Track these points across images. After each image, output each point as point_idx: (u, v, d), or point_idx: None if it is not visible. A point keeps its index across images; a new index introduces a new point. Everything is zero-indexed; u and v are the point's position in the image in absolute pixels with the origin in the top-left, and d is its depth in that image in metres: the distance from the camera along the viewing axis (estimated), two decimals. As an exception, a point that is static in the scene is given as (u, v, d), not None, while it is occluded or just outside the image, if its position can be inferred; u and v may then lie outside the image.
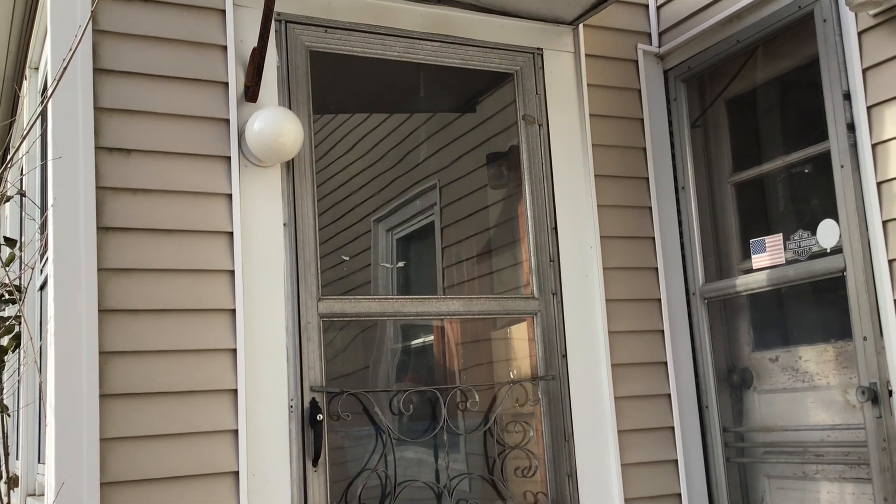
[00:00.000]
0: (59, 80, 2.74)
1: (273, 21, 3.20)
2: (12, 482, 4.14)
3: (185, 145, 3.14)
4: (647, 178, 4.06)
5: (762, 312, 4.00)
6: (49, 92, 2.82)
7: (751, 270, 3.84)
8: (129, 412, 2.89)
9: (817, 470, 3.59)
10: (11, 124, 4.90)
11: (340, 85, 3.92)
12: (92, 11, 2.96)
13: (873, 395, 3.24)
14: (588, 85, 3.95)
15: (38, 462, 4.09)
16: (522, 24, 3.89)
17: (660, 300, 3.97)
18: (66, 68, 2.70)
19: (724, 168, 4.15)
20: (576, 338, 3.74)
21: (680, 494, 3.83)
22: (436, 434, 3.51)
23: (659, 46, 4.20)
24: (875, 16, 3.22)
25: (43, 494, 3.36)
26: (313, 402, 3.19)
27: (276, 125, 3.13)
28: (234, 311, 3.10)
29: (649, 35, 4.22)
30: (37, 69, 4.27)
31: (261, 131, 3.13)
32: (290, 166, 3.33)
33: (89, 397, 2.82)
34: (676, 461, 3.86)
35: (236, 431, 3.03)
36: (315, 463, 3.15)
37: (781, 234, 3.72)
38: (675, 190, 4.13)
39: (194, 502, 2.95)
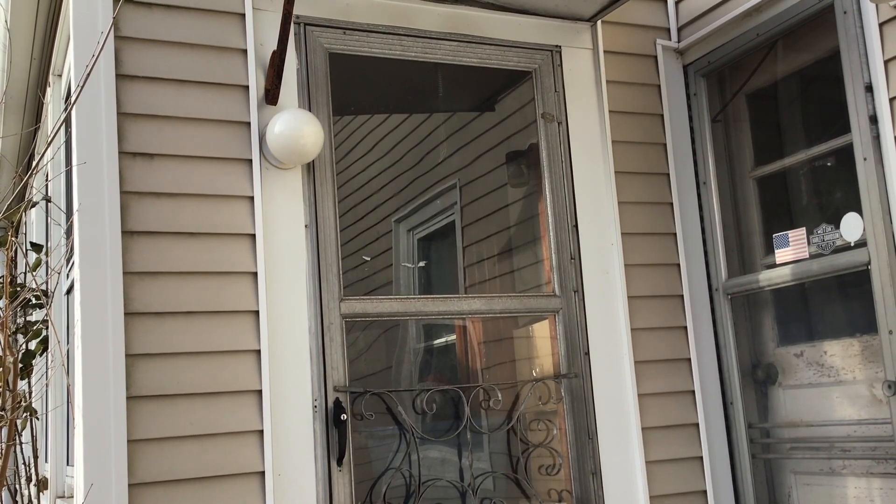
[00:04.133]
0: (82, 87, 2.78)
1: (292, 24, 3.22)
2: (42, 484, 4.19)
3: (207, 149, 3.17)
4: (668, 174, 4.05)
5: (786, 307, 3.97)
6: (73, 99, 2.86)
7: (774, 265, 3.82)
8: (155, 414, 2.92)
9: (844, 465, 3.56)
10: (36, 131, 4.96)
11: (359, 86, 3.94)
12: (114, 18, 3.00)
13: (900, 390, 3.21)
14: (607, 81, 3.94)
15: (67, 464, 4.14)
16: (540, 22, 3.89)
17: (682, 296, 3.95)
18: (88, 75, 2.73)
19: (745, 163, 4.13)
20: (598, 335, 3.73)
21: (705, 491, 3.82)
22: (459, 433, 3.51)
23: (678, 42, 4.18)
24: (896, 7, 3.20)
25: (72, 496, 3.40)
26: (337, 402, 3.21)
27: (296, 127, 3.15)
28: (257, 312, 3.13)
29: (668, 30, 4.20)
30: (60, 76, 4.32)
31: (281, 133, 3.15)
32: (310, 168, 3.35)
33: (116, 399, 2.85)
34: (701, 458, 3.84)
35: (261, 432, 3.06)
36: (340, 462, 3.17)
37: (804, 228, 3.69)
38: (697, 185, 4.11)
39: (221, 502, 2.97)
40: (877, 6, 3.27)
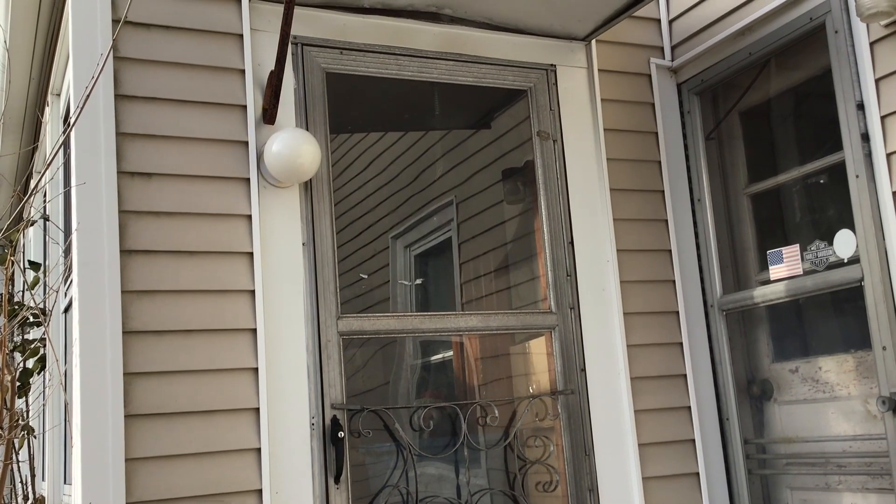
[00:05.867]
0: (81, 108, 2.80)
1: (289, 44, 3.25)
2: (39, 503, 4.19)
3: (206, 168, 3.19)
4: (663, 191, 4.07)
5: (781, 323, 3.99)
6: (72, 120, 2.88)
7: (768, 281, 3.84)
8: (153, 432, 2.93)
9: (840, 481, 3.58)
10: (34, 150, 4.98)
11: (356, 105, 3.97)
12: (113, 39, 3.03)
13: (894, 405, 3.23)
14: (602, 100, 3.98)
15: (65, 483, 4.13)
16: (535, 42, 3.92)
17: (678, 313, 3.97)
18: (88, 96, 2.75)
19: (739, 180, 4.16)
20: (594, 352, 3.75)
21: (702, 507, 3.83)
22: (456, 450, 3.52)
23: (672, 60, 4.22)
24: (886, 26, 3.24)
25: (70, 515, 3.40)
26: (334, 420, 3.22)
27: (293, 146, 3.18)
28: (255, 330, 3.14)
29: (662, 49, 4.24)
30: (59, 95, 4.35)
31: (279, 152, 3.17)
32: (308, 186, 3.37)
33: (114, 418, 2.86)
34: (698, 474, 3.85)
35: (259, 450, 3.06)
36: (337, 480, 3.17)
37: (798, 244, 3.72)
38: (691, 202, 4.14)
39: (219, 521, 2.98)
40: (867, 25, 3.31)
